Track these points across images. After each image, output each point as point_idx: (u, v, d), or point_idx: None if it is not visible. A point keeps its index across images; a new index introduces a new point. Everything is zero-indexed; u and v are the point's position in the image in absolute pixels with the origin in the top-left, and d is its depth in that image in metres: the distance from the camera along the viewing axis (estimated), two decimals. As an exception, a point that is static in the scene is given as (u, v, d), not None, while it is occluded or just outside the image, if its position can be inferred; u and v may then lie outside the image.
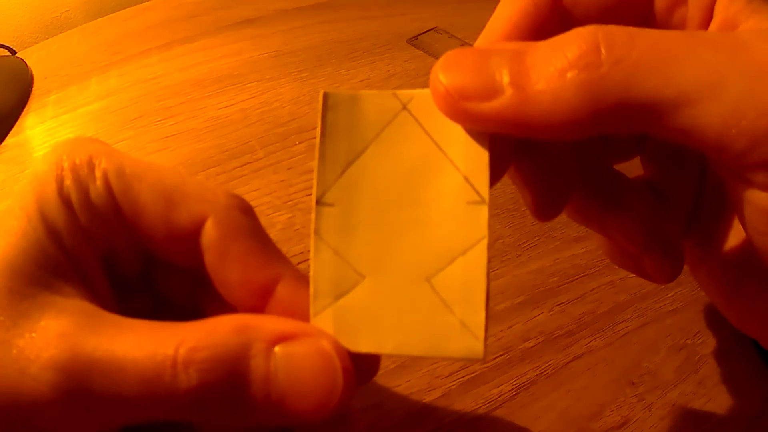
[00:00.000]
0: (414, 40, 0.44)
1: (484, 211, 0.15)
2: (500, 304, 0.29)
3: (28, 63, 0.41)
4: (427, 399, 0.26)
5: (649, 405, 0.27)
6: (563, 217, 0.33)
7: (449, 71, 0.14)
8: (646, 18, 0.16)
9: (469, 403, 0.26)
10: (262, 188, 0.33)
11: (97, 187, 0.15)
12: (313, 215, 0.16)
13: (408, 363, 0.27)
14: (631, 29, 0.12)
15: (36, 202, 0.15)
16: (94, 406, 0.13)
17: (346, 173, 0.16)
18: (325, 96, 0.16)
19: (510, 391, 0.26)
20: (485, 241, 0.14)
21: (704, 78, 0.12)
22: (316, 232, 0.16)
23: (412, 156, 0.16)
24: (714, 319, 0.31)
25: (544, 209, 0.18)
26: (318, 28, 0.44)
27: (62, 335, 0.13)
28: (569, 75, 0.12)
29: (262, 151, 0.35)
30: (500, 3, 0.17)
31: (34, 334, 0.13)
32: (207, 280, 0.17)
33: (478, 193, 0.15)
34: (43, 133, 0.39)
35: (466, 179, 0.15)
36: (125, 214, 0.16)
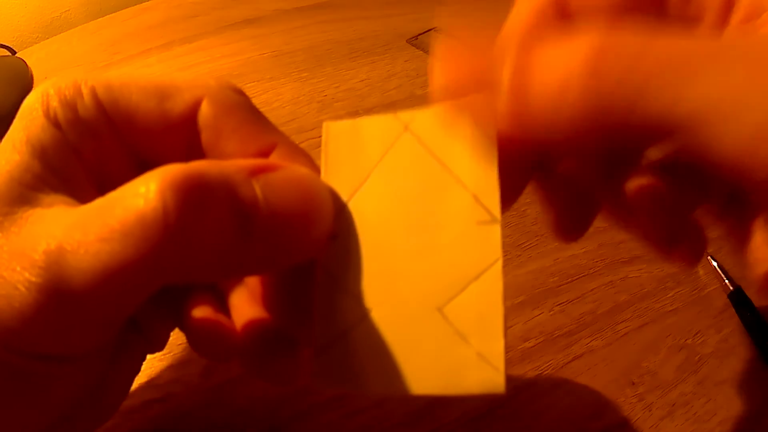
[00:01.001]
0: (414, 40, 0.44)
1: (496, 231, 0.14)
2: (500, 304, 0.29)
3: (28, 63, 0.41)
4: (427, 398, 0.26)
5: (649, 405, 0.27)
6: (563, 217, 0.33)
7: (447, 65, 0.13)
8: (659, 10, 0.16)
9: (468, 403, 0.26)
10: (261, 188, 0.33)
11: (84, 103, 0.16)
12: None
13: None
14: (642, 35, 0.11)
15: (23, 129, 0.15)
16: (78, 304, 0.12)
17: (350, 203, 0.15)
18: (327, 127, 0.16)
19: (510, 391, 0.26)
20: (500, 263, 0.13)
21: (723, 96, 0.10)
22: (321, 265, 0.15)
23: (417, 178, 0.15)
24: (714, 319, 0.31)
25: (568, 230, 0.18)
26: (318, 28, 0.44)
27: (38, 235, 0.13)
28: (574, 82, 0.11)
29: (262, 151, 0.35)
30: (513, 10, 0.16)
31: (12, 246, 0.13)
32: None
33: (489, 212, 0.14)
34: (43, 133, 0.38)
35: (476, 198, 0.14)
36: (117, 123, 0.16)
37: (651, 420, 0.26)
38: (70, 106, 0.15)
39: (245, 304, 0.19)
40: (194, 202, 0.12)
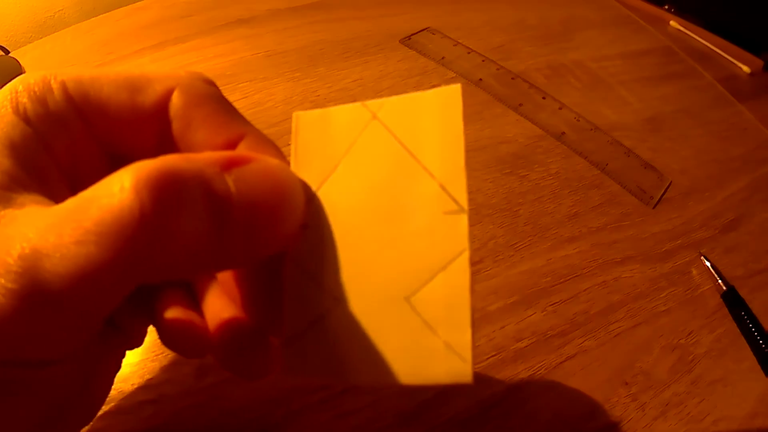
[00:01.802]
0: (407, 40, 0.44)
1: (463, 221, 0.13)
2: (493, 305, 0.29)
3: (21, 63, 0.40)
4: (420, 399, 0.26)
5: (642, 405, 0.27)
6: (556, 217, 0.33)
7: None
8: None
9: (462, 404, 0.26)
10: (254, 188, 0.33)
11: (54, 97, 0.15)
12: None
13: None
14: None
15: None
16: (56, 308, 0.12)
17: (320, 192, 0.15)
18: (297, 117, 0.16)
19: (503, 391, 0.26)
20: (467, 254, 0.13)
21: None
22: (290, 255, 0.15)
23: (385, 166, 0.14)
24: (707, 319, 0.31)
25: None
26: (311, 28, 0.44)
27: (12, 238, 0.12)
28: None
29: (255, 151, 0.35)
30: None
31: None
32: None
33: (456, 201, 0.14)
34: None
35: (443, 187, 0.14)
36: (89, 116, 0.16)
37: (644, 420, 0.26)
38: (40, 101, 0.15)
39: (217, 300, 0.19)
40: (169, 198, 0.12)
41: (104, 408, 0.24)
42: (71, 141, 0.16)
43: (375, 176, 0.15)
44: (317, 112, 0.16)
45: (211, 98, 0.17)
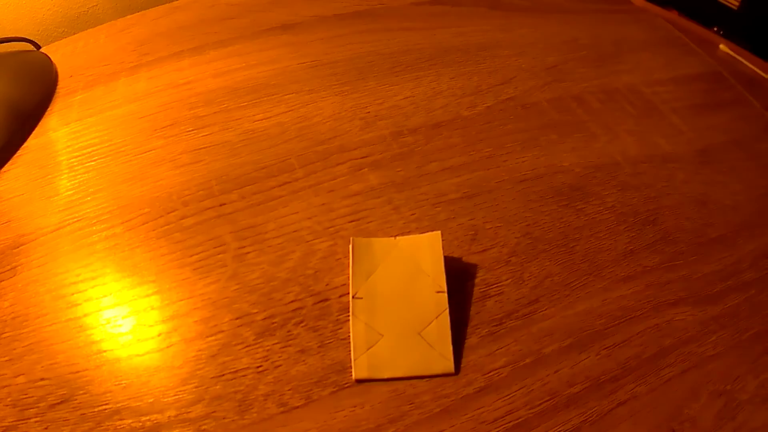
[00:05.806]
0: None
1: (444, 297, 0.29)
2: (548, 347, 0.29)
3: (52, 59, 0.39)
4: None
5: (692, 455, 0.27)
6: (612, 255, 0.33)
7: None
8: None
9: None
10: (301, 211, 0.32)
11: None
12: (351, 305, 0.29)
13: (452, 408, 0.26)
14: None
15: None
16: None
17: (368, 280, 0.30)
18: (353, 241, 0.30)
19: (556, 437, 0.26)
20: (447, 311, 0.29)
21: None
22: (353, 313, 0.29)
23: (403, 270, 0.30)
24: (753, 364, 0.31)
25: None
26: (358, 38, 0.42)
27: None
28: None
29: (302, 170, 0.34)
30: None
31: None
32: None
33: (440, 287, 0.29)
34: (67, 136, 0.37)
35: (433, 280, 0.30)
36: None
37: (695, 471, 0.26)
38: None
39: None
40: None
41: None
42: None
43: (398, 273, 0.30)
44: (365, 240, 0.31)
45: None
